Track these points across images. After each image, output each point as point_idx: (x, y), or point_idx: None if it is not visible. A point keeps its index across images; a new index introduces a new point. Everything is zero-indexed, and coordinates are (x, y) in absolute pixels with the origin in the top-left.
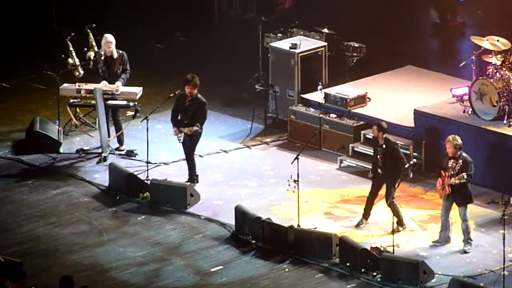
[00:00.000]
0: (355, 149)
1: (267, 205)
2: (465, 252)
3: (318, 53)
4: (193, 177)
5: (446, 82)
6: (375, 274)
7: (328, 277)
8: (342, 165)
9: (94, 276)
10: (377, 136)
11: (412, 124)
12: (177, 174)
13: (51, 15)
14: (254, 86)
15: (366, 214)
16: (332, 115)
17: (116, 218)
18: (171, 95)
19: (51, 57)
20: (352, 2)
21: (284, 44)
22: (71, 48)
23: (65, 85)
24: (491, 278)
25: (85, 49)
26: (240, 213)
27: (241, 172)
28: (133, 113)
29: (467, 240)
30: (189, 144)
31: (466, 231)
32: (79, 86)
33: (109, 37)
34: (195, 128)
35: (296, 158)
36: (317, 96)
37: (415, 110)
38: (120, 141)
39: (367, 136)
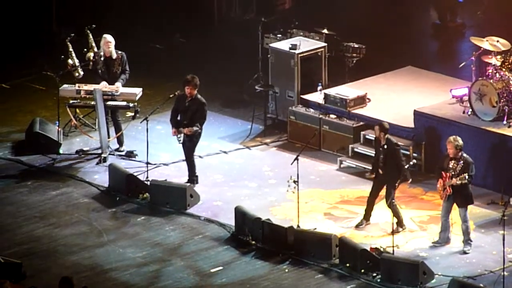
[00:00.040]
0: (355, 149)
1: (267, 205)
2: (464, 252)
3: (317, 54)
4: (193, 178)
5: (446, 82)
6: (374, 274)
7: (328, 278)
8: (341, 165)
9: (93, 277)
10: (379, 136)
11: (412, 125)
12: (177, 175)
13: (51, 16)
14: (254, 87)
15: (367, 215)
16: (332, 116)
17: (116, 219)
18: (171, 95)
19: (51, 58)
20: (351, 2)
21: (284, 45)
22: (70, 49)
23: (65, 86)
24: (490, 279)
25: (85, 50)
26: (240, 213)
27: (241, 173)
28: (133, 114)
29: (467, 241)
30: (189, 145)
31: (466, 232)
32: (78, 87)
33: (108, 37)
34: (194, 128)
35: (296, 158)
36: (316, 96)
37: (414, 110)
38: (120, 142)
39: (367, 137)
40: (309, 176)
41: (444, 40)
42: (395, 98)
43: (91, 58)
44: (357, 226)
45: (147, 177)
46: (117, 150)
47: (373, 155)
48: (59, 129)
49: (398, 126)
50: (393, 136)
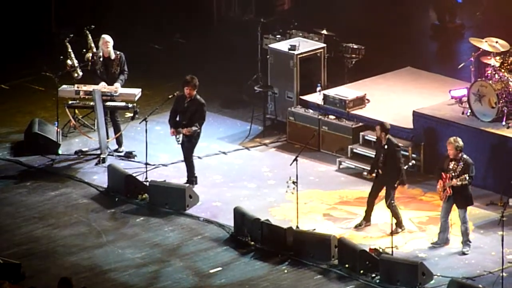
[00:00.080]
0: (354, 150)
1: (266, 206)
2: (463, 253)
3: (317, 55)
4: (192, 179)
5: (445, 83)
6: (374, 275)
7: (327, 279)
8: (341, 166)
9: (93, 278)
10: (380, 137)
11: (411, 126)
12: (176, 176)
13: (50, 17)
14: (253, 88)
15: (367, 216)
16: (331, 117)
17: (115, 220)
18: (170, 96)
19: (50, 58)
20: (351, 3)
21: (283, 45)
22: (70, 50)
23: (64, 86)
24: (489, 280)
25: (84, 50)
26: (239, 214)
27: (240, 174)
28: (132, 114)
29: (466, 241)
30: (188, 146)
31: (465, 233)
32: (77, 87)
33: (106, 37)
34: (193, 128)
35: (295, 159)
36: (316, 97)
37: (414, 111)
38: (119, 142)
39: (366, 137)
40: (308, 177)
41: (443, 41)
42: (394, 99)
43: (90, 58)
44: (356, 227)
45: (146, 178)
46: (116, 150)
47: (373, 155)
48: (58, 130)
49: (397, 127)
50: (392, 137)
